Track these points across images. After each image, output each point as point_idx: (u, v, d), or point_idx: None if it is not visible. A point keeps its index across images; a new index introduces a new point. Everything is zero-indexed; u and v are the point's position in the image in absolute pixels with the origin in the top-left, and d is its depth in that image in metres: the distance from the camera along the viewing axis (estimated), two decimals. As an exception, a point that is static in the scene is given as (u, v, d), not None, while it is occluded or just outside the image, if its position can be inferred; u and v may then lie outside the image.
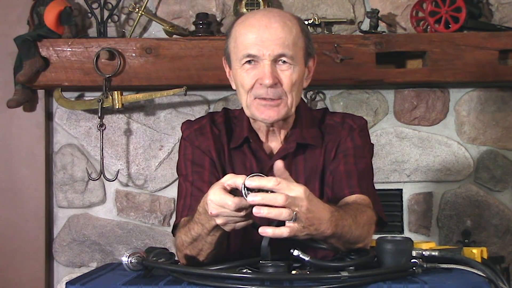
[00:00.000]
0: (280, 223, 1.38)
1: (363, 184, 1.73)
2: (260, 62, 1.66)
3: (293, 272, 1.36)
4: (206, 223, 1.48)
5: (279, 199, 1.33)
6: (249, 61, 1.67)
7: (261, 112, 1.69)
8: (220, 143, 1.80)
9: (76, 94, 2.88)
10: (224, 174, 1.72)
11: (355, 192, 1.70)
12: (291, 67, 1.67)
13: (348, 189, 1.71)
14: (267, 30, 1.64)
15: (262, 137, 1.79)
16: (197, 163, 1.79)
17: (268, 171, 1.74)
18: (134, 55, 2.72)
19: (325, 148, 1.79)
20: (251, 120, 1.78)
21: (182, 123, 1.88)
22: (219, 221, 1.43)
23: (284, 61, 1.66)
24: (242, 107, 1.78)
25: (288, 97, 1.68)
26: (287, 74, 1.67)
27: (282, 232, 1.36)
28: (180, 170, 1.83)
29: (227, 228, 1.45)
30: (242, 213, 1.39)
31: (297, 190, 1.36)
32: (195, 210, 1.55)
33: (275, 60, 1.66)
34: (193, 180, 1.77)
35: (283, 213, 1.34)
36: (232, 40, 1.72)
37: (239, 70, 1.70)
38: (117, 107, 2.75)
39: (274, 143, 1.80)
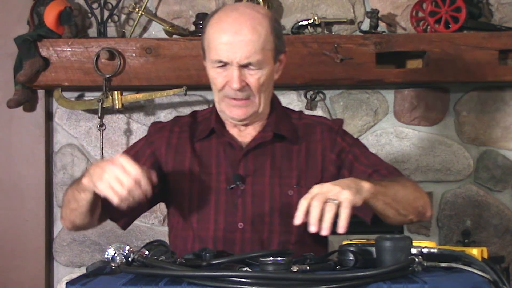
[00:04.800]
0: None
1: (392, 170, 1.83)
2: (229, 67, 1.74)
3: (293, 268, 1.35)
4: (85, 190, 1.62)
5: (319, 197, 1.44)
6: (220, 65, 1.76)
7: (230, 111, 1.80)
8: (180, 140, 1.88)
9: (76, 94, 2.89)
10: (179, 168, 1.85)
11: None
12: (260, 71, 1.75)
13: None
14: (236, 37, 1.72)
15: (230, 128, 1.87)
16: (138, 154, 1.88)
17: (240, 160, 1.82)
18: (134, 55, 2.72)
19: (306, 147, 1.85)
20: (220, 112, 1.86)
21: (151, 123, 1.98)
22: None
23: (251, 68, 1.74)
24: (211, 106, 1.90)
25: (256, 96, 1.78)
26: (255, 77, 1.75)
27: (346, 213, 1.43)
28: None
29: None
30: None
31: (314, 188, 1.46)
32: None
33: (243, 66, 1.74)
34: None
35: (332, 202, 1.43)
36: (205, 39, 1.79)
37: (211, 70, 1.79)
38: (117, 107, 2.75)
39: (246, 133, 1.86)
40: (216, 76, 1.77)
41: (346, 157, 1.83)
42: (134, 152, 1.88)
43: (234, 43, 1.72)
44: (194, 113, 1.97)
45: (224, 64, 1.74)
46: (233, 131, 1.86)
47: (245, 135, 1.86)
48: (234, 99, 1.77)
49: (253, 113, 1.80)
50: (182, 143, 1.87)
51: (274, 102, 1.90)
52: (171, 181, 1.86)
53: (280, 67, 1.86)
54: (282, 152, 1.84)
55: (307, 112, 2.54)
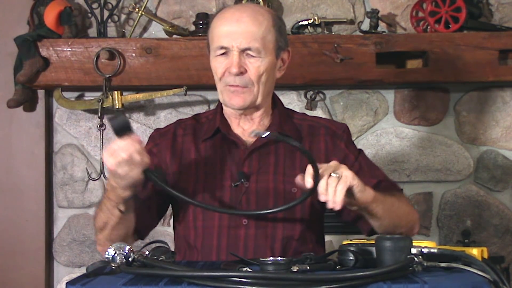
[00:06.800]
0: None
1: (393, 183, 1.91)
2: (230, 53, 1.79)
3: (293, 268, 1.35)
4: (112, 196, 1.67)
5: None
6: (221, 52, 1.80)
7: (230, 98, 1.83)
8: (184, 144, 1.90)
9: (76, 94, 2.88)
10: (184, 169, 1.86)
11: None
12: (259, 59, 1.79)
13: None
14: (237, 24, 1.78)
15: (234, 127, 1.89)
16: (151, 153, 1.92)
17: (245, 159, 1.85)
18: (134, 55, 2.72)
19: (309, 147, 1.88)
20: (224, 110, 1.90)
21: (154, 129, 2.01)
22: (113, 165, 1.59)
23: (251, 54, 1.78)
24: (214, 108, 1.93)
25: (254, 86, 1.81)
26: (254, 65, 1.79)
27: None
28: None
29: (120, 171, 1.59)
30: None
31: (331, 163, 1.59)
32: None
33: (243, 52, 1.78)
34: None
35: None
36: (210, 31, 1.86)
37: (213, 59, 1.83)
38: (117, 107, 2.75)
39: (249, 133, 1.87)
40: (217, 65, 1.81)
41: (351, 167, 1.81)
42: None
43: (234, 30, 1.78)
44: (196, 115, 2.00)
45: (225, 52, 1.79)
46: (237, 130, 1.89)
47: (249, 134, 1.87)
48: (233, 85, 1.80)
49: (252, 102, 1.82)
50: (186, 146, 1.90)
51: (277, 102, 1.93)
52: (176, 182, 1.87)
53: (283, 66, 1.90)
54: (286, 152, 1.87)
55: (308, 112, 2.55)
